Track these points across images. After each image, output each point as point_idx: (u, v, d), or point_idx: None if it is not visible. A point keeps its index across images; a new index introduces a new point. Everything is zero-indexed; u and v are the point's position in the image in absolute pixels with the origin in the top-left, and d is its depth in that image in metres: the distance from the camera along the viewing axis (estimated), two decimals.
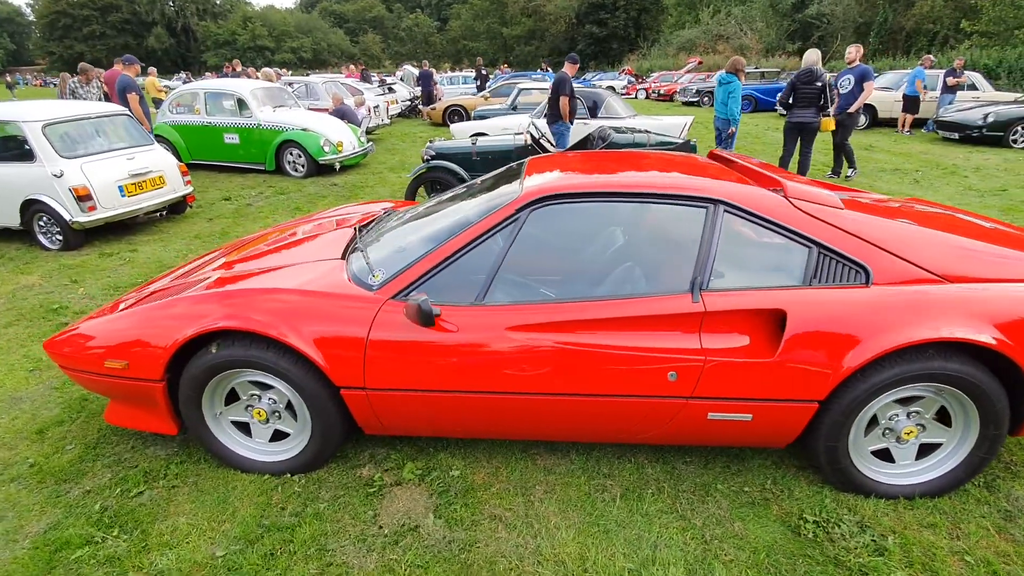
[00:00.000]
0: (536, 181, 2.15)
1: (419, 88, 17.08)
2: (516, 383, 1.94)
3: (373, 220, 2.90)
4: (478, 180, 2.99)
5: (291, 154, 8.24)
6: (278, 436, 2.24)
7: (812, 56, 6.22)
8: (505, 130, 8.29)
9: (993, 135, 10.05)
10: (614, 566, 1.78)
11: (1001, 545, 1.84)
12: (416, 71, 20.73)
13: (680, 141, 5.41)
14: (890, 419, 1.98)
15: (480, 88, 15.41)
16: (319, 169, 8.27)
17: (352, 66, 22.68)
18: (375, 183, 7.97)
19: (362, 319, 1.98)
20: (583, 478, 2.17)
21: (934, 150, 10.05)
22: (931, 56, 12.33)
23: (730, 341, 1.91)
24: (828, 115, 6.58)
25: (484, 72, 16.27)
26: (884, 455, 2.06)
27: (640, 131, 5.61)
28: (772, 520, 1.96)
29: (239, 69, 10.68)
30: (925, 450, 2.05)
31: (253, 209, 6.56)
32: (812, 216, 1.97)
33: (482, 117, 10.67)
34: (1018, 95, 12.16)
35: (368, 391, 2.00)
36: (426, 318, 1.79)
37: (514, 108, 10.83)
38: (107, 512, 2.05)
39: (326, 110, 10.37)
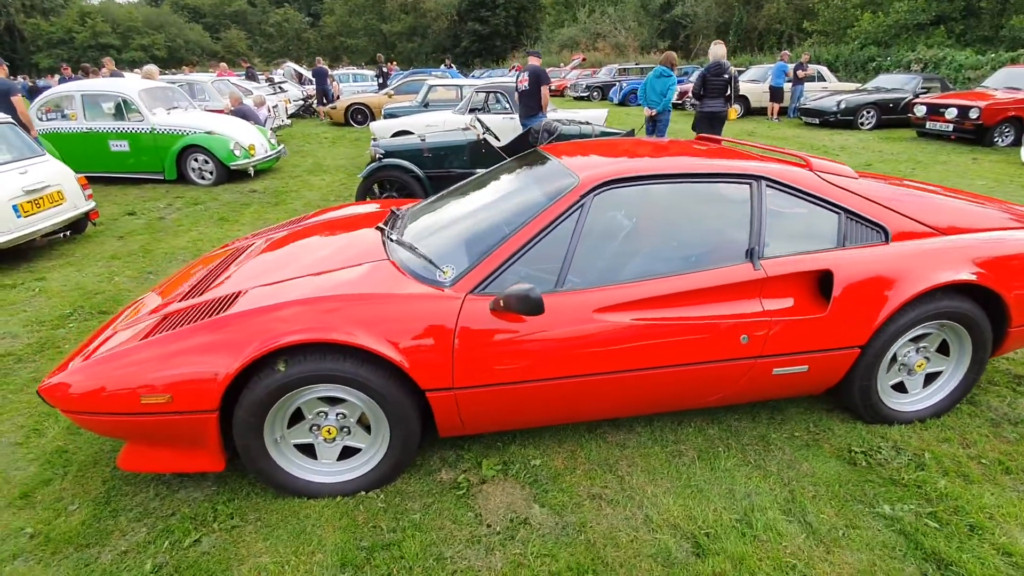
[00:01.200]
0: (589, 167, 2.20)
1: (310, 86, 16.10)
2: (606, 363, 1.99)
3: (388, 219, 2.76)
4: (482, 173, 2.98)
5: (196, 160, 7.44)
6: (345, 453, 2.09)
7: (719, 50, 6.84)
8: (429, 127, 8.14)
9: (846, 119, 11.77)
10: (722, 520, 1.91)
11: (1001, 447, 2.24)
12: (298, 68, 19.51)
13: (624, 132, 5.70)
14: (905, 356, 2.32)
15: (383, 86, 14.92)
16: (230, 176, 7.56)
17: (223, 64, 20.74)
18: (299, 187, 7.46)
19: (445, 316, 1.91)
20: (656, 448, 2.28)
21: (803, 134, 11.51)
22: (787, 52, 14.08)
23: (787, 302, 2.12)
24: (732, 105, 7.29)
25: (385, 70, 15.74)
26: (899, 388, 2.40)
27: (583, 123, 5.83)
28: (829, 456, 2.21)
29: (112, 68, 9.31)
30: (929, 379, 2.42)
31: (168, 222, 5.86)
32: (837, 186, 2.23)
33: (392, 115, 10.38)
34: (858, 85, 14.30)
35: (456, 391, 1.94)
36: (536, 306, 1.77)
37: (425, 105, 10.65)
38: (164, 569, 1.79)
39: (221, 111, 9.48)
